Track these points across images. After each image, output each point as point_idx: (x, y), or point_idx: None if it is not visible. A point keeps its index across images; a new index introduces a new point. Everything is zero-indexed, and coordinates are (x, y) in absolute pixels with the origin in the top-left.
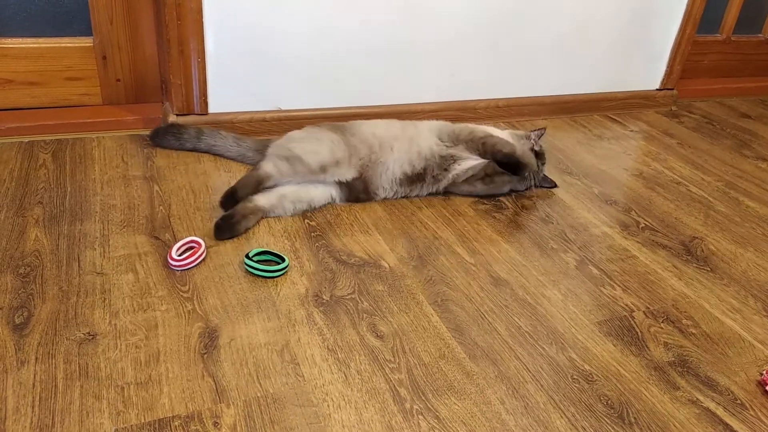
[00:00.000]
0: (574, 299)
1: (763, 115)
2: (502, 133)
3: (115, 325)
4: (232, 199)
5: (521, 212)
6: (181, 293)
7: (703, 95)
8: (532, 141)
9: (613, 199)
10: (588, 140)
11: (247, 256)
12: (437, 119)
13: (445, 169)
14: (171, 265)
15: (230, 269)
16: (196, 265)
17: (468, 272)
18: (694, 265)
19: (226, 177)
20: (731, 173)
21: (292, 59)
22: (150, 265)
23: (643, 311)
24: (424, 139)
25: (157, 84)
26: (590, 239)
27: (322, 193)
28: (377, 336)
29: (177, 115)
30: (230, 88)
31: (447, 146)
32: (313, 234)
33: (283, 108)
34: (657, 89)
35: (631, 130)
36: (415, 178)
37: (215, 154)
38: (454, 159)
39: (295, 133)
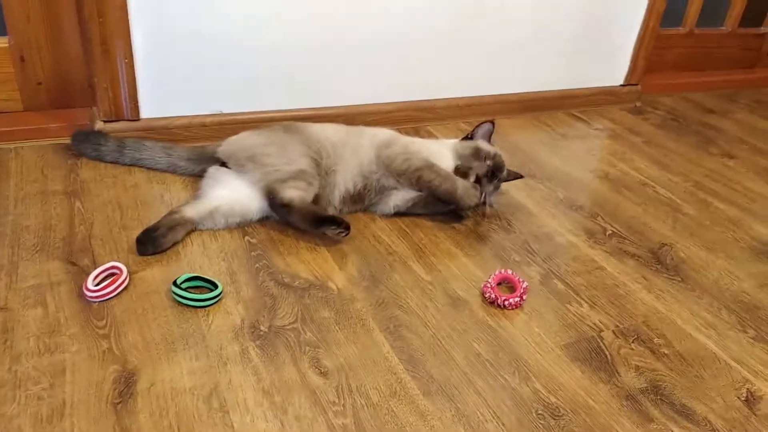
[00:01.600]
0: (539, 319)
1: (728, 110)
2: (446, 149)
3: (16, 371)
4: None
5: (482, 221)
6: (96, 329)
7: (667, 90)
8: (486, 162)
9: (578, 203)
10: (552, 140)
11: (174, 283)
12: (394, 121)
13: (384, 195)
14: (87, 296)
15: (156, 299)
16: (116, 295)
17: (424, 292)
18: (665, 275)
19: (158, 189)
20: (698, 172)
21: (232, 58)
22: (63, 297)
23: (613, 330)
24: (365, 153)
25: (84, 87)
26: (555, 249)
27: (258, 206)
28: (321, 373)
29: (105, 121)
30: (164, 90)
31: (382, 175)
32: (253, 253)
33: (225, 111)
34: (621, 85)
35: (596, 129)
36: (356, 198)
37: (144, 167)
38: (392, 187)
39: (250, 141)
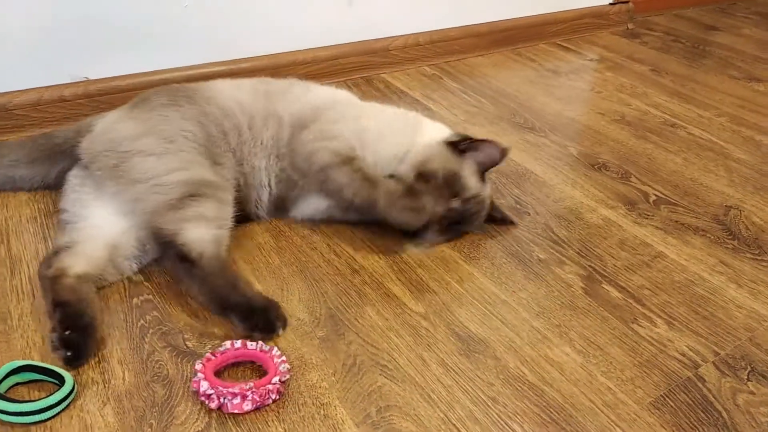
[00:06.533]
0: (601, 359)
1: (731, 26)
2: (412, 131)
3: None
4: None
5: None
6: None
7: (654, 9)
8: (451, 201)
9: (600, 160)
10: (542, 78)
11: None
12: (335, 72)
13: (302, 193)
14: None
15: None
16: None
17: (417, 334)
18: (747, 253)
19: None
20: (728, 102)
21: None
22: None
23: (713, 362)
24: (282, 129)
25: None
26: (590, 234)
27: None
28: None
29: None
30: None
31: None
32: (136, 299)
33: (92, 77)
34: (610, 3)
35: (590, 59)
36: (278, 200)
37: None
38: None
39: (115, 132)
